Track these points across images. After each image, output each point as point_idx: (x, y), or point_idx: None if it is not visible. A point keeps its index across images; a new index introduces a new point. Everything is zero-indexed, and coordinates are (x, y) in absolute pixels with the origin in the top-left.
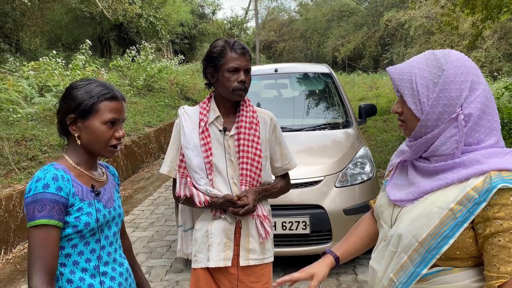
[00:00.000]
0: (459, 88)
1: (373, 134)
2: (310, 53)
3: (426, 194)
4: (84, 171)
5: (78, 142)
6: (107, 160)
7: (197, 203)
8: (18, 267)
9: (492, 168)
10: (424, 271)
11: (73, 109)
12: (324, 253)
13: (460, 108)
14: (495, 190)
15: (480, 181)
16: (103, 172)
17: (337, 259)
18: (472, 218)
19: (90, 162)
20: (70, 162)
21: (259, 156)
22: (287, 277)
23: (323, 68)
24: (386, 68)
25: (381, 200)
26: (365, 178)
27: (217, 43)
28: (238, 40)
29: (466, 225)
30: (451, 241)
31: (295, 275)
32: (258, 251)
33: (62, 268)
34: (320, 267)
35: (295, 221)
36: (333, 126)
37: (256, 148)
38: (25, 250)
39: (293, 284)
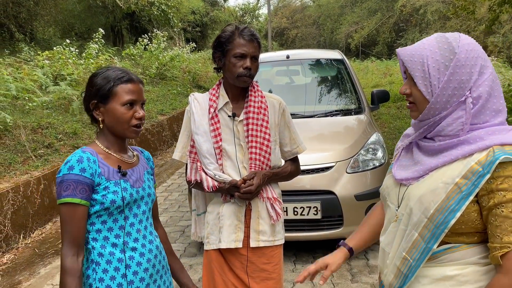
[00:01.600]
0: (469, 72)
1: (386, 121)
2: (323, 40)
3: (431, 171)
4: (113, 154)
5: (101, 126)
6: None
7: (206, 188)
8: (37, 251)
9: (495, 143)
10: (435, 246)
11: (94, 95)
12: (337, 246)
13: (469, 92)
14: (497, 162)
15: (483, 155)
16: (134, 155)
17: (350, 250)
18: (477, 190)
19: (119, 145)
20: (100, 145)
21: (268, 141)
22: (305, 272)
23: (335, 54)
24: (396, 49)
25: (387, 181)
26: (377, 164)
27: (227, 28)
28: (249, 27)
29: (471, 198)
30: (458, 214)
31: (312, 267)
32: (268, 233)
33: (94, 242)
34: (334, 258)
35: (307, 207)
36: (345, 112)
37: (265, 133)
38: (43, 234)
39: (313, 277)
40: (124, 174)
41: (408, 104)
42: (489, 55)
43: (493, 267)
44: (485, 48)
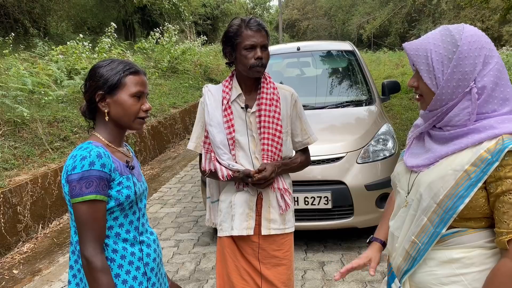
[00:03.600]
0: (473, 63)
1: (398, 112)
2: (334, 31)
3: (441, 159)
4: (116, 147)
5: (106, 118)
6: (135, 140)
7: (220, 177)
8: (55, 240)
9: (505, 131)
10: (444, 231)
11: (101, 86)
12: (369, 242)
13: (473, 82)
14: (506, 150)
15: (492, 144)
16: (127, 149)
17: (383, 243)
18: (485, 177)
19: (120, 139)
20: (102, 139)
21: (280, 132)
22: (349, 266)
23: (346, 46)
24: (403, 44)
25: (398, 168)
26: (387, 155)
27: (233, 22)
28: (254, 17)
29: (480, 184)
30: (467, 200)
31: (356, 261)
32: (279, 221)
33: (106, 239)
34: (374, 253)
35: (317, 196)
36: (356, 103)
37: (277, 124)
38: (61, 225)
39: (352, 270)
40: (132, 168)
41: (416, 97)
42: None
43: (498, 251)
44: (500, 37)
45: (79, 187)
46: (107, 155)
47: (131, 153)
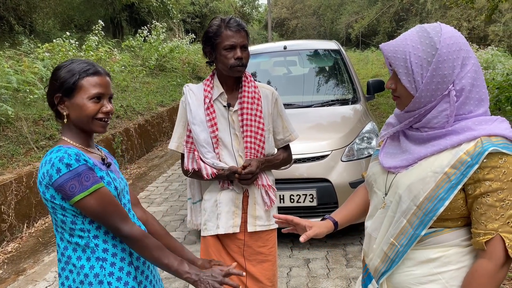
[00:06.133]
0: (452, 65)
1: (385, 110)
2: (323, 30)
3: (420, 160)
4: (86, 149)
5: (65, 121)
6: (122, 139)
7: (205, 176)
8: (40, 240)
9: (483, 134)
10: (423, 233)
11: (57, 88)
12: (323, 218)
13: (452, 85)
14: (486, 153)
15: (471, 146)
16: (99, 149)
17: (335, 223)
18: (465, 180)
19: (88, 141)
20: (70, 141)
21: (262, 130)
22: (289, 217)
23: (332, 45)
24: (380, 45)
25: (373, 168)
26: (372, 153)
27: (213, 22)
28: (234, 17)
29: (460, 187)
30: (447, 202)
31: (297, 219)
32: (264, 218)
33: (96, 240)
34: (320, 225)
35: (303, 194)
36: (342, 102)
37: (259, 122)
38: (46, 224)
39: (293, 224)
40: (109, 165)
41: (394, 97)
42: (489, 44)
43: (473, 248)
44: (486, 37)
45: (79, 183)
46: (82, 154)
47: (103, 152)
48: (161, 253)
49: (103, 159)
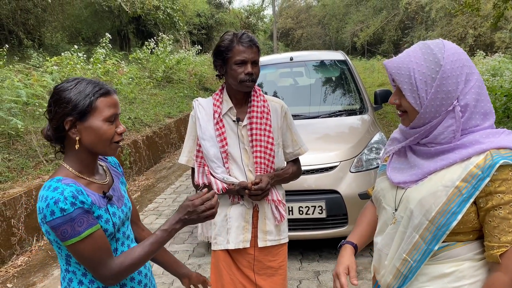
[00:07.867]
0: (455, 82)
1: (392, 119)
2: (328, 40)
3: (429, 175)
4: (88, 179)
5: (77, 146)
6: (130, 151)
7: (215, 191)
8: (50, 253)
9: (491, 146)
10: (436, 247)
11: (69, 112)
12: (340, 246)
13: (456, 100)
14: (497, 166)
15: (481, 159)
16: (104, 171)
17: (355, 246)
18: (477, 193)
19: (92, 166)
20: (72, 171)
21: (272, 144)
22: (343, 280)
23: (338, 55)
24: (383, 62)
25: (381, 184)
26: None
27: (225, 37)
28: (247, 32)
29: (471, 200)
30: (459, 216)
31: (342, 280)
32: (274, 232)
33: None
34: (349, 258)
35: (312, 206)
36: (349, 112)
37: (269, 137)
38: None
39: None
40: (110, 199)
41: (399, 112)
42: (496, 51)
43: (486, 262)
44: (492, 43)
45: (71, 228)
46: (81, 191)
47: (110, 172)
48: (143, 253)
49: (103, 192)
